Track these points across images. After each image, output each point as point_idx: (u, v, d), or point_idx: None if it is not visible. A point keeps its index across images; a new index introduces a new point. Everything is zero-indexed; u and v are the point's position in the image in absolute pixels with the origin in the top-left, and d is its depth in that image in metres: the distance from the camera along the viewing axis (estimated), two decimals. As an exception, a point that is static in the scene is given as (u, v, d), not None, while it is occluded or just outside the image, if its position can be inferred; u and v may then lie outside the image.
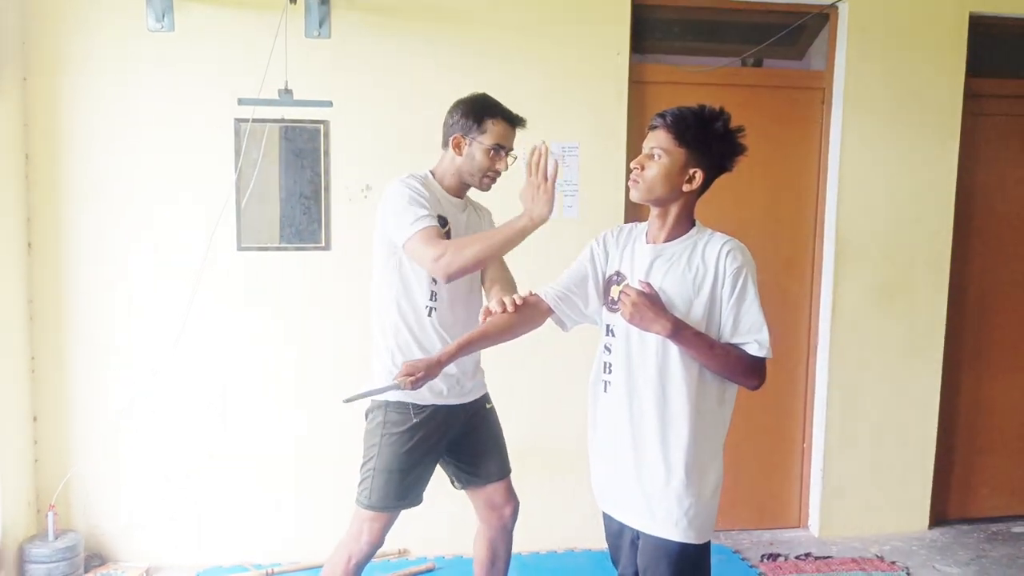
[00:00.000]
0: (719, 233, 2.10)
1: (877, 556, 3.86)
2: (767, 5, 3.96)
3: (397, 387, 2.13)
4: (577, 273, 2.21)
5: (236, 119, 3.51)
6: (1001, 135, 4.21)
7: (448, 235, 2.55)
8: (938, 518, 4.21)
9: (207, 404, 3.62)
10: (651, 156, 2.04)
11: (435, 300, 2.55)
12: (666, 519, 2.03)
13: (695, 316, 2.01)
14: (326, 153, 3.58)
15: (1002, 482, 4.36)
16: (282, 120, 3.54)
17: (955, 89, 3.99)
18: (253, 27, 3.45)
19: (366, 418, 2.63)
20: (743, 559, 3.82)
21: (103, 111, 3.48)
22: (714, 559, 3.72)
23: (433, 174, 2.66)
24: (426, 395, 2.50)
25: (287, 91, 3.24)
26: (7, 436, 3.35)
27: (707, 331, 2.03)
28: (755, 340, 2.01)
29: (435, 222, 2.47)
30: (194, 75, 3.50)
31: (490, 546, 2.80)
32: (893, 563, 3.78)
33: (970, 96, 4.02)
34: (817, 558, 3.81)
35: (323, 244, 3.61)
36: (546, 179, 2.33)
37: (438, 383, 2.49)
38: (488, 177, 2.62)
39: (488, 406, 2.79)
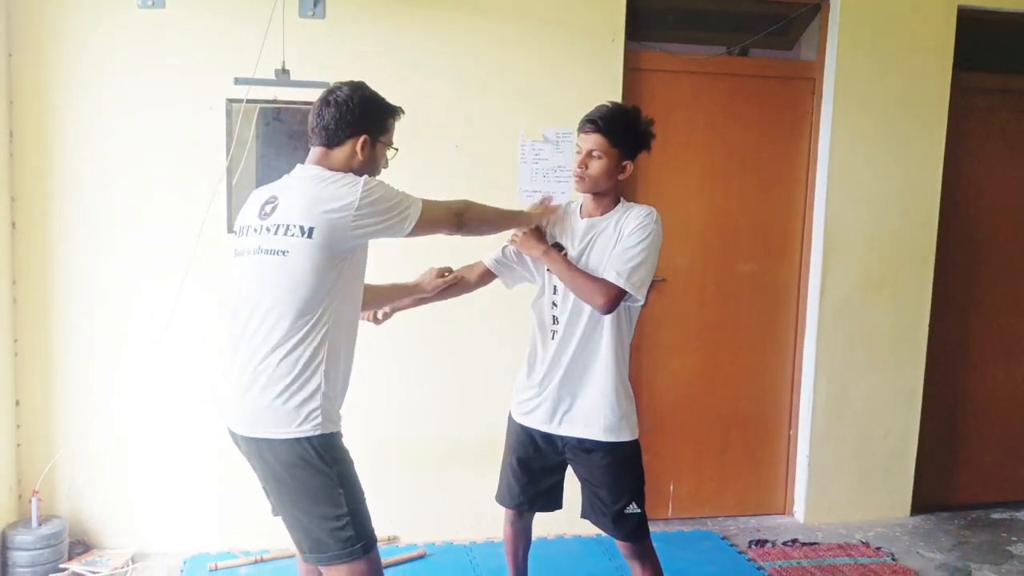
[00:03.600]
0: (640, 206, 2.54)
1: (862, 542, 3.91)
2: (761, -6, 3.98)
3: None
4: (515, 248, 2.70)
5: (228, 99, 3.45)
6: (988, 129, 4.27)
7: None
8: (920, 505, 4.27)
9: (194, 389, 3.56)
10: (590, 156, 2.48)
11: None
12: (610, 427, 2.52)
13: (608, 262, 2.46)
14: (319, 135, 3.52)
15: (982, 470, 4.43)
16: (274, 101, 3.48)
17: (943, 82, 4.04)
18: (246, 6, 3.39)
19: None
20: (731, 545, 3.85)
21: (91, 89, 3.41)
22: (702, 545, 3.82)
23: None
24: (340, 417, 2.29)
25: (284, 71, 3.19)
26: (-10, 420, 3.28)
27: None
28: (615, 270, 2.40)
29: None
30: (185, 54, 3.44)
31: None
32: (878, 549, 3.83)
33: (958, 90, 4.06)
34: (804, 544, 3.85)
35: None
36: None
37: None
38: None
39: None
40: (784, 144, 4.11)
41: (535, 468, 2.69)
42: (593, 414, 2.52)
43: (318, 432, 2.15)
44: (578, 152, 2.51)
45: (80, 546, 3.51)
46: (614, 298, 2.39)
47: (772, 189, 4.12)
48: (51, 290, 3.45)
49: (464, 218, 2.40)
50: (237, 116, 3.43)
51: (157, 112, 3.45)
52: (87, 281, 3.47)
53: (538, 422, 2.62)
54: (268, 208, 2.23)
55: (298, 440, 2.13)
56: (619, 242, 2.45)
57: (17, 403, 3.46)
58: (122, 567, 3.39)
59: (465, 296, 2.85)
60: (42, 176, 3.41)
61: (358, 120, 2.28)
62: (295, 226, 2.14)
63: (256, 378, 2.17)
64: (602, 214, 2.55)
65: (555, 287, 2.57)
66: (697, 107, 4.01)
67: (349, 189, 2.16)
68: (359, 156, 2.29)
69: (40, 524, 3.35)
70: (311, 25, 3.47)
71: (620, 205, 2.55)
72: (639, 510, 2.56)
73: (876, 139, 4.02)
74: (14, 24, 3.33)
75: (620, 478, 2.55)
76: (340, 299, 2.20)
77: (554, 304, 2.57)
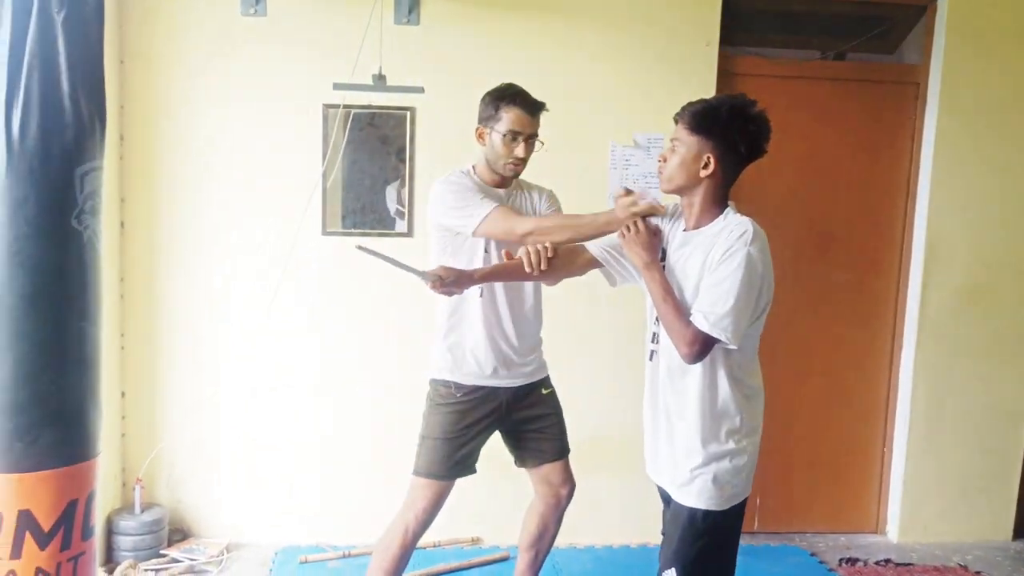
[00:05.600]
0: (738, 220, 2.12)
1: (960, 565, 3.76)
2: (863, -4, 3.88)
3: (420, 274, 2.28)
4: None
5: (324, 104, 3.54)
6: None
7: None
8: (1023, 529, 4.08)
9: (291, 387, 3.66)
10: (671, 149, 2.14)
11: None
12: (682, 484, 2.14)
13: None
14: (412, 139, 3.59)
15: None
16: (369, 106, 3.55)
17: (1058, 88, 3.86)
18: (343, 13, 3.47)
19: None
20: (821, 562, 3.75)
21: (195, 95, 3.54)
22: (790, 560, 3.74)
23: (474, 168, 2.75)
24: (471, 374, 2.68)
25: (381, 77, 3.24)
26: (98, 410, 3.43)
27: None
28: (702, 313, 2.03)
29: (504, 202, 2.60)
30: (284, 61, 3.54)
31: (542, 521, 2.93)
32: (978, 573, 3.68)
33: (1072, 94, 3.88)
34: (898, 564, 3.73)
35: (406, 231, 3.63)
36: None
37: (487, 361, 2.66)
38: (510, 164, 2.65)
39: (546, 391, 2.85)
40: (883, 150, 3.98)
41: None
42: (678, 464, 2.16)
43: None
44: None
45: (178, 534, 3.65)
46: (701, 347, 2.03)
47: (870, 196, 4.00)
48: (155, 287, 3.60)
49: (530, 236, 2.46)
50: (333, 121, 3.52)
51: (257, 117, 3.56)
52: (190, 278, 3.61)
53: (652, 470, 2.32)
54: None
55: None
56: (707, 271, 2.07)
57: (123, 395, 3.62)
58: (217, 556, 3.51)
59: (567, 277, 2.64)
60: (149, 178, 3.56)
61: (480, 110, 2.68)
62: None
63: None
64: (697, 227, 2.17)
65: None
66: (792, 112, 3.91)
67: (438, 182, 2.69)
68: (479, 144, 2.69)
69: (142, 511, 3.50)
70: (405, 32, 3.53)
71: (721, 218, 2.14)
72: None
73: (982, 145, 3.87)
74: (126, 32, 3.49)
75: (676, 542, 2.16)
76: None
77: (656, 319, 2.20)
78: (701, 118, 2.10)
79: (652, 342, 2.23)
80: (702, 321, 2.02)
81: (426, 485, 2.70)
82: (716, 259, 2.05)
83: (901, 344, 4.02)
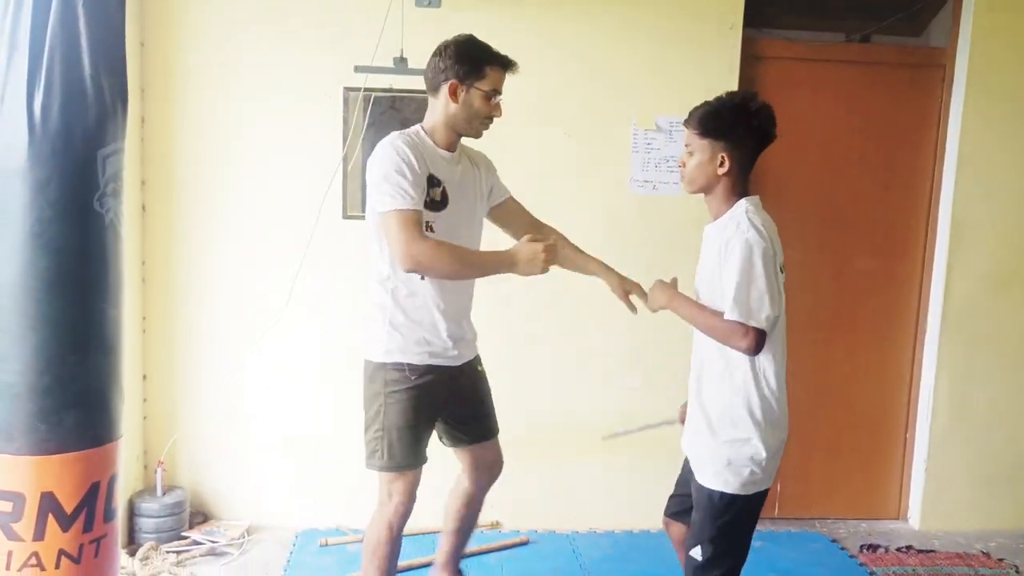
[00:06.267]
0: (735, 214, 2.24)
1: (983, 552, 3.73)
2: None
3: (667, 422, 2.50)
4: None
5: (345, 88, 3.52)
6: None
7: (443, 195, 2.49)
8: (1048, 516, 4.05)
9: (311, 370, 3.67)
10: (689, 154, 2.29)
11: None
12: (704, 465, 2.27)
13: (719, 286, 2.21)
14: (432, 123, 3.57)
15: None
16: (390, 90, 3.53)
17: (1088, 70, 3.78)
18: (364, -5, 3.46)
19: (364, 383, 2.61)
20: (842, 548, 3.73)
21: (216, 78, 3.54)
22: (810, 547, 3.72)
23: (423, 129, 2.56)
24: (426, 354, 2.54)
25: (402, 59, 3.22)
26: (120, 393, 3.45)
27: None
28: (738, 308, 2.13)
29: (419, 206, 2.40)
30: (305, 44, 3.53)
31: (472, 502, 2.87)
32: (1001, 560, 3.65)
33: (1102, 77, 3.81)
34: (920, 551, 3.70)
35: (426, 215, 3.61)
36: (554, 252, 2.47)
37: (444, 338, 2.55)
38: (487, 122, 2.55)
39: (479, 368, 2.78)
40: (909, 134, 3.93)
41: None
42: (697, 445, 2.32)
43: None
44: None
45: (199, 516, 3.67)
46: (755, 341, 2.14)
47: (894, 181, 3.95)
48: (177, 270, 3.61)
49: (415, 256, 2.37)
50: (354, 104, 3.50)
51: (278, 100, 3.55)
52: (211, 262, 3.62)
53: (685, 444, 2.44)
54: None
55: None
56: (726, 268, 2.17)
57: (144, 377, 3.64)
58: (238, 538, 3.53)
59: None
60: (170, 161, 3.56)
61: (449, 65, 2.44)
62: None
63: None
64: (718, 218, 2.31)
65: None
66: (817, 96, 3.87)
67: (382, 144, 2.46)
68: (451, 102, 2.45)
69: (164, 493, 3.52)
70: (426, 14, 3.50)
71: (735, 208, 2.26)
72: (700, 559, 2.26)
73: (1010, 130, 3.81)
74: (147, 15, 3.48)
75: (698, 521, 2.30)
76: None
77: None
78: (709, 123, 2.23)
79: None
80: (738, 316, 2.12)
81: (397, 478, 2.56)
82: (727, 254, 2.17)
83: (925, 331, 3.98)
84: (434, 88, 2.51)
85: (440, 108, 2.51)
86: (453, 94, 2.47)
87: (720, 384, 2.24)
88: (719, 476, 2.22)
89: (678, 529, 2.50)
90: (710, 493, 2.24)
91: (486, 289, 2.77)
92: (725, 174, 2.24)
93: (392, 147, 2.43)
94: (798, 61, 3.82)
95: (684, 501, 2.43)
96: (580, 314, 3.68)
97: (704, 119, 2.24)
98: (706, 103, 2.28)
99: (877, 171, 3.92)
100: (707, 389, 2.28)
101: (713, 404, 2.26)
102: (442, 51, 2.49)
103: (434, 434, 2.70)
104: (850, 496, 4.09)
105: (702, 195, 2.33)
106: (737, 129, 2.23)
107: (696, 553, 2.27)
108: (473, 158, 2.70)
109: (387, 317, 2.53)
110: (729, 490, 2.21)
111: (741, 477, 2.21)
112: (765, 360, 2.22)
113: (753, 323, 2.12)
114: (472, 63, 2.46)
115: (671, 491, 2.57)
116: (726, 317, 2.14)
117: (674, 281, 2.41)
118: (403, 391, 2.53)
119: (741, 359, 2.20)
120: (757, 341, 2.13)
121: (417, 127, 2.56)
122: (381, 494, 2.60)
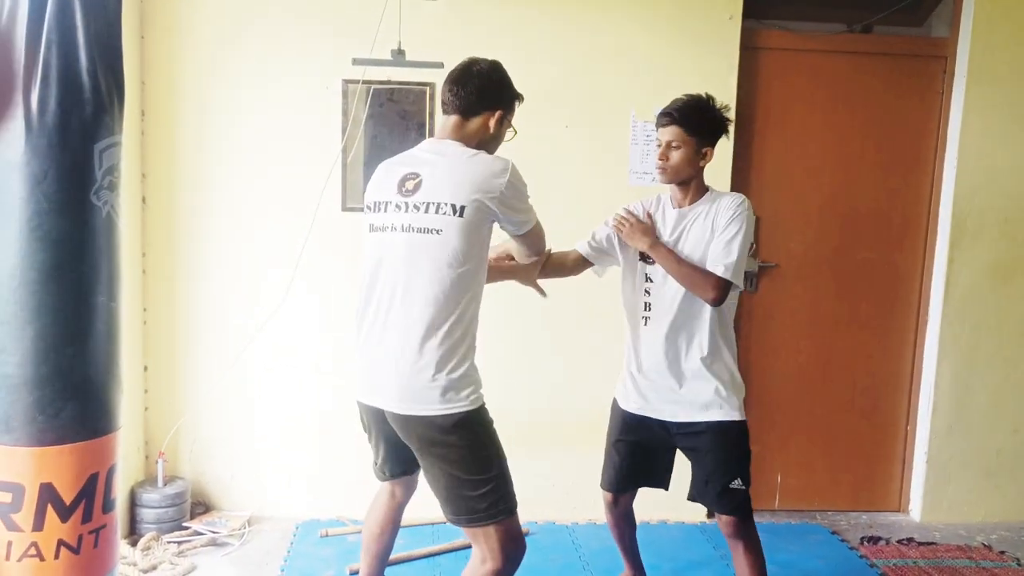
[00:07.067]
0: (730, 195, 2.63)
1: (984, 545, 3.73)
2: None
3: None
4: (607, 234, 2.79)
5: (344, 80, 3.52)
6: None
7: None
8: (1049, 508, 4.04)
9: (311, 362, 3.68)
10: (670, 147, 2.57)
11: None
12: (704, 406, 2.60)
13: (708, 252, 2.55)
14: (431, 115, 3.57)
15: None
16: (388, 82, 3.54)
17: (1090, 60, 3.76)
18: (363, -13, 3.45)
19: (455, 433, 2.21)
20: (842, 540, 3.73)
21: (216, 70, 3.54)
22: (811, 538, 3.73)
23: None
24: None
25: (400, 51, 3.22)
26: (121, 385, 3.47)
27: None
28: (722, 264, 2.49)
29: None
30: (304, 36, 3.53)
31: (396, 515, 2.61)
32: (1002, 553, 3.65)
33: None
34: (920, 544, 3.70)
35: (426, 207, 3.61)
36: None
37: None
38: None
39: None
40: (910, 125, 3.91)
41: (639, 452, 2.78)
42: (700, 397, 2.59)
43: (476, 405, 2.24)
44: (658, 146, 2.61)
45: (200, 507, 3.69)
46: (724, 291, 2.50)
47: (895, 172, 3.94)
48: (177, 262, 3.62)
49: (543, 256, 2.65)
50: (353, 96, 3.51)
51: (277, 92, 3.56)
52: (210, 254, 3.63)
53: (644, 409, 2.70)
54: (410, 184, 2.24)
55: (463, 413, 2.19)
56: (716, 233, 2.54)
57: (145, 369, 3.65)
58: (239, 529, 3.55)
59: (558, 278, 2.88)
60: (170, 153, 3.57)
61: (497, 94, 2.35)
62: (446, 204, 2.17)
63: (416, 357, 2.17)
64: (691, 204, 2.63)
65: (647, 274, 2.66)
66: (817, 87, 3.86)
67: (498, 170, 2.21)
68: (490, 130, 2.34)
69: (165, 484, 3.54)
70: (425, 6, 3.50)
71: (709, 194, 2.64)
72: (744, 487, 2.61)
73: (1012, 119, 3.79)
74: (147, 7, 3.48)
75: (727, 455, 2.62)
76: (480, 277, 2.28)
77: (647, 291, 2.66)
78: (698, 121, 2.56)
79: (645, 310, 2.66)
80: (724, 271, 2.48)
81: (515, 518, 2.29)
82: (723, 222, 2.53)
83: (926, 322, 3.97)
84: (473, 111, 2.33)
85: (475, 130, 2.33)
86: (499, 123, 2.35)
87: (700, 345, 2.58)
88: (739, 410, 2.61)
89: (627, 499, 2.91)
90: (731, 425, 2.59)
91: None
92: (705, 164, 2.60)
93: (516, 170, 2.25)
94: (798, 52, 3.81)
95: (637, 468, 2.79)
96: (581, 306, 3.68)
97: (692, 118, 2.55)
98: (683, 102, 2.57)
99: (878, 162, 3.91)
100: (694, 351, 2.59)
101: (698, 358, 2.58)
102: (489, 75, 2.35)
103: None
104: (851, 488, 4.09)
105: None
106: (715, 125, 2.59)
107: (738, 484, 2.59)
108: None
109: (463, 352, 2.23)
110: (736, 417, 2.60)
111: (736, 402, 2.62)
112: (727, 309, 2.61)
113: (729, 277, 2.48)
114: (514, 96, 2.39)
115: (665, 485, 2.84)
116: (718, 273, 2.48)
117: (654, 224, 2.68)
118: (494, 426, 2.30)
119: (713, 314, 2.56)
120: (724, 295, 2.50)
121: (471, 149, 2.29)
122: (491, 550, 2.24)
